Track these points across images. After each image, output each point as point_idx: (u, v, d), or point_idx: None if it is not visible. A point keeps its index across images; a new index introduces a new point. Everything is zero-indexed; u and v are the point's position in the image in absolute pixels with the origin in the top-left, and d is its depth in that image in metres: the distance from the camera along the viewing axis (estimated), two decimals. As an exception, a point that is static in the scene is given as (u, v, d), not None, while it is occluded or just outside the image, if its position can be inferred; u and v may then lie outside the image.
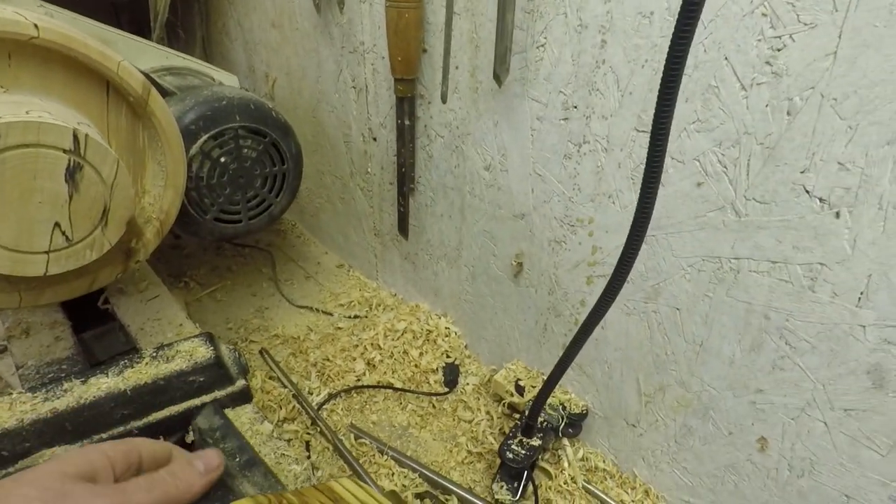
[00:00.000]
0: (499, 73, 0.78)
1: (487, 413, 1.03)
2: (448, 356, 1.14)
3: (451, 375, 1.10)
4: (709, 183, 0.65)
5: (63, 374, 0.83)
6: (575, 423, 0.93)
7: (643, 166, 0.71)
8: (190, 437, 0.74)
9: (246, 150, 0.99)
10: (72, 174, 0.64)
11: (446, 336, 1.17)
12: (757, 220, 0.62)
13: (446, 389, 1.09)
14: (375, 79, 1.06)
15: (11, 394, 0.71)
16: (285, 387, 1.05)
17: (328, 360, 1.13)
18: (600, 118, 0.73)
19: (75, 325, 0.97)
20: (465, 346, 1.17)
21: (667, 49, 0.41)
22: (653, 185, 0.53)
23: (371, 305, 1.29)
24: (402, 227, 1.13)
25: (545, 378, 1.00)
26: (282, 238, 1.58)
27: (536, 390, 0.98)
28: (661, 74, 0.43)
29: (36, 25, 0.63)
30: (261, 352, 1.15)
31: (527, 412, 0.89)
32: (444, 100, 0.87)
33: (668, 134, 0.49)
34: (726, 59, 0.59)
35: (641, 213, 0.56)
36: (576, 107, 0.76)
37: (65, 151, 0.62)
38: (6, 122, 0.57)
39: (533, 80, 0.79)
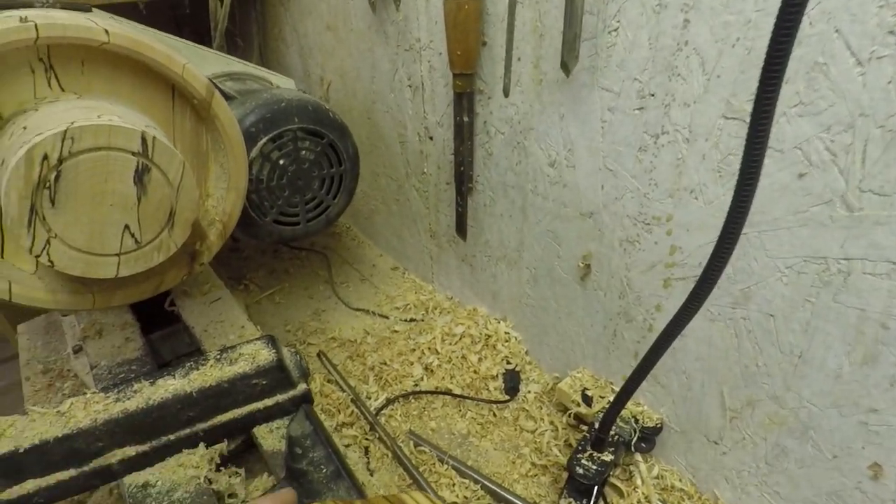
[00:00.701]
0: (567, 62, 0.73)
1: (551, 423, 0.98)
2: (508, 362, 1.10)
3: (512, 382, 1.06)
4: (813, 173, 0.58)
5: (133, 375, 0.85)
6: (648, 438, 0.86)
7: (732, 157, 0.65)
8: (273, 443, 0.72)
9: (304, 152, 0.98)
10: (140, 177, 0.64)
11: (506, 341, 1.13)
12: (874, 215, 0.54)
13: (507, 397, 1.04)
14: (432, 76, 1.03)
15: (86, 393, 0.72)
16: (343, 391, 1.04)
17: (385, 364, 1.11)
18: (681, 106, 0.67)
19: (144, 327, 1.00)
20: (526, 352, 1.12)
21: (764, 25, 0.36)
22: (752, 177, 0.47)
23: (427, 309, 1.26)
24: (460, 227, 1.09)
25: (614, 388, 0.94)
26: (337, 240, 1.58)
27: (605, 401, 0.92)
28: (755, 54, 0.37)
29: (106, 31, 0.64)
30: (318, 354, 1.14)
31: (596, 424, 0.84)
32: (506, 93, 0.83)
33: (771, 119, 0.43)
34: (837, 31, 0.52)
35: (737, 209, 0.50)
36: (653, 94, 0.70)
37: (133, 154, 0.63)
38: (79, 125, 0.58)
39: (604, 67, 0.74)
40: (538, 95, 0.85)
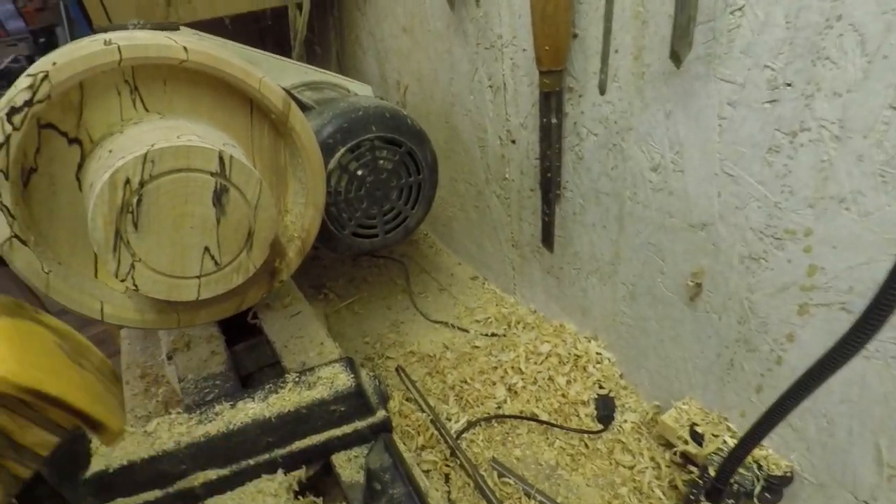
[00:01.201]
0: (678, 51, 0.63)
1: (652, 459, 0.87)
2: (601, 387, 1.00)
3: (606, 410, 0.96)
4: None
5: (217, 390, 0.85)
6: (775, 489, 0.74)
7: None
8: (352, 474, 0.69)
9: (382, 162, 0.94)
10: (219, 197, 0.62)
11: (597, 363, 1.03)
12: None
13: (600, 426, 0.94)
14: (515, 75, 0.96)
15: (171, 413, 0.72)
16: (423, 411, 0.99)
17: (466, 382, 1.05)
18: (830, 96, 0.55)
19: (228, 338, 1.01)
20: (621, 376, 1.02)
21: None
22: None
23: (509, 323, 1.19)
24: (547, 238, 1.01)
25: (729, 424, 0.81)
26: (414, 248, 1.54)
27: (720, 440, 0.80)
28: None
29: (185, 48, 0.62)
30: (397, 369, 1.10)
31: (710, 469, 0.72)
32: (602, 90, 0.74)
33: None
34: None
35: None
36: (789, 84, 0.58)
37: (212, 174, 0.61)
38: (159, 148, 0.57)
39: (724, 55, 0.63)
40: (639, 91, 0.75)
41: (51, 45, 3.48)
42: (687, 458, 0.83)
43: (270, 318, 1.00)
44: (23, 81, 0.56)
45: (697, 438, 0.81)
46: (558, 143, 0.90)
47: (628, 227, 0.87)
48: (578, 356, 1.04)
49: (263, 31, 1.59)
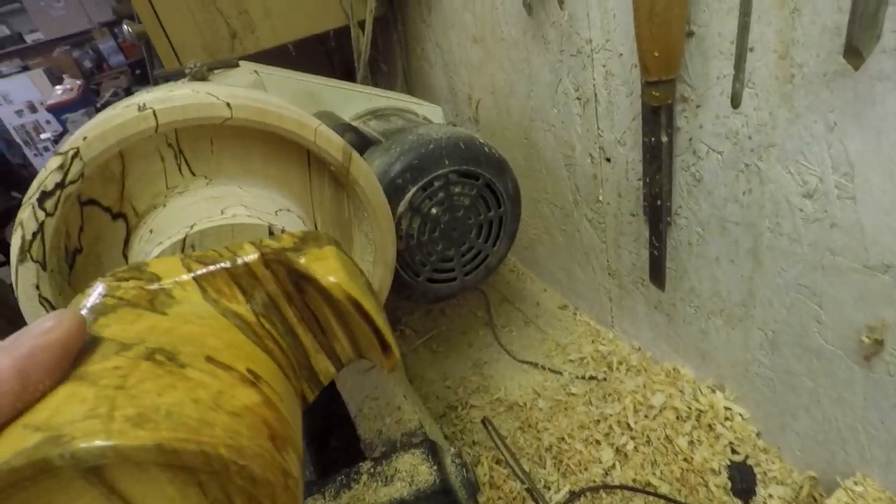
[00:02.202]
0: (858, 46, 0.46)
1: (814, 553, 0.69)
2: (734, 450, 0.82)
3: (745, 482, 0.78)
4: None
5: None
6: None
7: None
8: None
9: (457, 198, 0.83)
10: (273, 273, 0.53)
11: (727, 419, 0.85)
12: None
13: (738, 503, 0.77)
14: (609, 85, 0.80)
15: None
16: (517, 478, 0.86)
17: (564, 440, 0.91)
18: None
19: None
20: (758, 435, 0.84)
21: None
22: None
23: (610, 364, 1.03)
24: (656, 274, 0.84)
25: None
26: (494, 273, 1.42)
27: (917, 544, 0.61)
28: None
29: (228, 105, 0.54)
30: (483, 422, 0.99)
31: None
32: (735, 102, 0.58)
33: None
34: None
35: None
36: None
37: (263, 251, 0.52)
38: (199, 230, 0.49)
39: (930, 45, 0.45)
40: (785, 98, 0.58)
41: (145, 76, 3.70)
42: (867, 562, 0.65)
43: (343, 373, 0.92)
44: (53, 161, 0.50)
45: (882, 538, 0.62)
46: (669, 163, 0.74)
47: (767, 263, 0.69)
48: (702, 411, 0.87)
49: (330, 52, 1.53)
